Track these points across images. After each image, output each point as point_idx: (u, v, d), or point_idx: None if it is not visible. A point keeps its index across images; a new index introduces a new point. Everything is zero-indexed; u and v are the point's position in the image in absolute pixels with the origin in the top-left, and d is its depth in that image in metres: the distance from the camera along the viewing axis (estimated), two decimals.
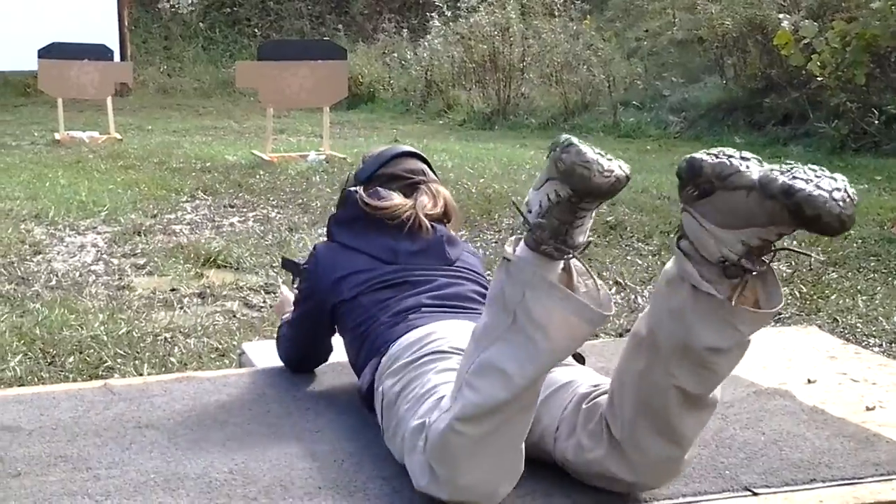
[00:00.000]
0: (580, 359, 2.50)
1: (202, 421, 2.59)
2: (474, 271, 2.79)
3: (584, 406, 2.13)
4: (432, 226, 2.73)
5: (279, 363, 3.12)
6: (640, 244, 5.88)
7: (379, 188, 2.76)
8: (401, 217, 2.69)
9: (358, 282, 2.65)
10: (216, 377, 2.98)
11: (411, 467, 2.08)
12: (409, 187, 2.78)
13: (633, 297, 4.67)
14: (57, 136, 12.42)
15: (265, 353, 3.39)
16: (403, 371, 2.30)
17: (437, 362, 2.26)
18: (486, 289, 2.71)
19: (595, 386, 2.19)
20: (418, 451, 2.04)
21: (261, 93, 10.46)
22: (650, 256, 5.54)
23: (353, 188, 2.80)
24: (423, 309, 2.55)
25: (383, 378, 2.35)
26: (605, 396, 2.12)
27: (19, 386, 3.41)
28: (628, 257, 5.50)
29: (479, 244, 5.96)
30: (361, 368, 2.55)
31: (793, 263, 5.37)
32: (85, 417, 2.63)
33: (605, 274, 5.07)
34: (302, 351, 2.91)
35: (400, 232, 2.69)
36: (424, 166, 2.87)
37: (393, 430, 2.25)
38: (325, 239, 2.87)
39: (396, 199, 2.73)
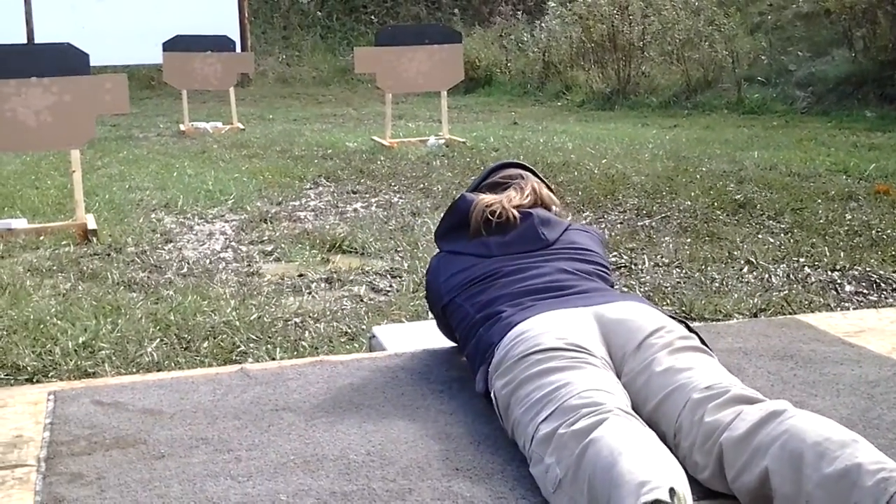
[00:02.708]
0: (688, 326, 2.45)
1: (338, 404, 2.60)
2: (576, 248, 2.77)
3: (705, 420, 2.04)
4: (522, 213, 2.75)
5: (410, 346, 3.13)
6: (770, 222, 5.71)
7: (466, 194, 2.91)
8: (486, 212, 2.77)
9: (454, 283, 2.74)
10: (349, 361, 2.99)
11: (538, 478, 2.03)
12: (504, 190, 2.90)
13: (766, 276, 4.53)
14: (182, 127, 12.70)
15: (396, 336, 3.41)
16: (511, 371, 2.28)
17: (545, 363, 2.22)
18: (588, 262, 2.70)
19: (709, 388, 2.10)
20: (546, 467, 1.99)
21: (379, 78, 10.50)
22: (782, 234, 5.38)
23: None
24: (517, 301, 2.53)
25: (494, 380, 2.34)
26: (728, 415, 2.01)
27: (157, 371, 3.48)
28: (759, 235, 5.35)
29: (603, 225, 5.87)
30: (473, 369, 2.54)
31: None
32: (223, 401, 2.66)
33: (735, 252, 4.94)
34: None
35: (491, 227, 2.75)
36: (525, 172, 2.99)
37: (512, 432, 2.23)
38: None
39: (484, 197, 2.82)
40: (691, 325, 2.53)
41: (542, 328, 2.33)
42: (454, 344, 2.96)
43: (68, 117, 6.07)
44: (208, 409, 2.61)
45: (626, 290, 4.34)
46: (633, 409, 2.13)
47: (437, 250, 2.96)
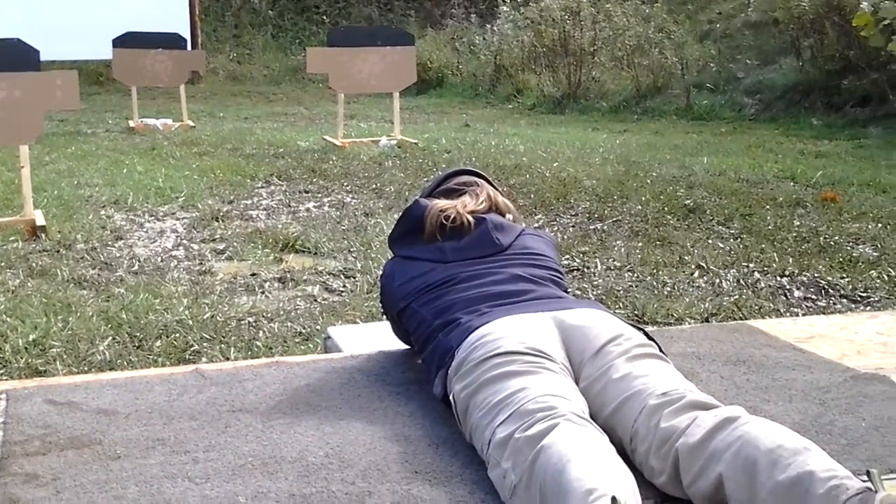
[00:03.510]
0: (646, 334, 2.47)
1: (295, 405, 2.59)
2: (530, 253, 2.79)
3: (661, 425, 2.05)
4: (476, 218, 2.77)
5: (366, 348, 3.14)
6: (720, 227, 5.78)
7: (420, 199, 2.91)
8: (441, 217, 2.78)
9: (410, 289, 2.73)
10: (305, 362, 2.98)
11: (496, 482, 2.04)
12: (459, 196, 2.91)
13: (716, 280, 4.59)
14: (131, 123, 12.58)
15: (351, 338, 3.41)
16: (471, 375, 2.28)
17: (504, 366, 2.23)
18: (542, 267, 2.73)
19: (665, 394, 2.12)
20: (503, 472, 2.00)
21: (331, 78, 10.48)
22: (731, 240, 5.45)
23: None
24: (474, 308, 2.54)
25: (453, 384, 2.34)
26: (683, 421, 2.03)
27: (110, 370, 3.45)
28: (709, 240, 5.41)
29: (556, 228, 5.91)
30: (430, 373, 2.55)
31: (878, 246, 5.25)
32: (179, 401, 2.64)
33: (686, 257, 5.00)
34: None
35: (445, 232, 2.77)
36: (479, 180, 3.01)
37: (470, 436, 2.23)
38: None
39: (438, 202, 2.84)
40: (647, 331, 2.55)
41: (502, 332, 2.34)
42: (408, 346, 2.97)
43: (18, 113, 5.99)
44: (164, 409, 2.59)
45: (579, 293, 4.37)
46: (591, 415, 2.15)
47: (391, 255, 2.96)
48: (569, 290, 2.87)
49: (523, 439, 1.99)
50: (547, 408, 2.05)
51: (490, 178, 3.06)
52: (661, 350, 2.42)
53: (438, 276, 2.71)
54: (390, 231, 2.96)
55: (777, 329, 3.25)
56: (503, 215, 2.92)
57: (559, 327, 2.40)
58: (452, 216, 2.80)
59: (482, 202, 2.89)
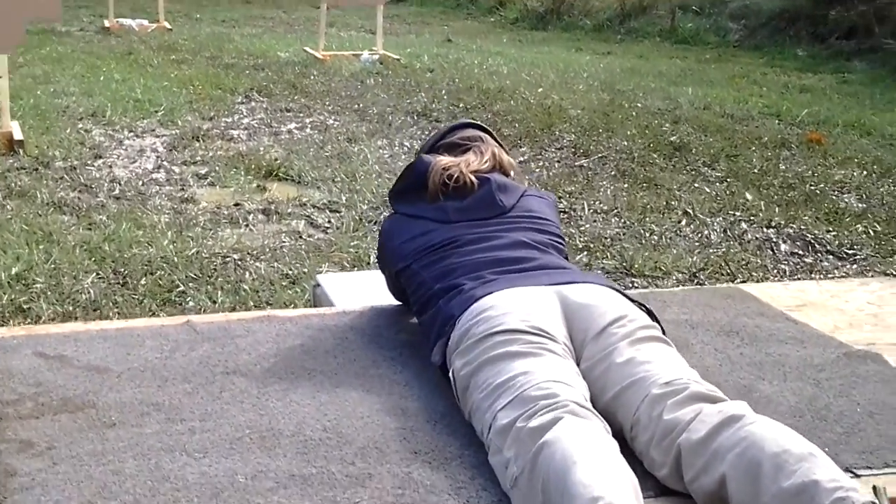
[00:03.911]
0: (650, 313, 2.47)
1: (289, 368, 2.57)
2: (533, 216, 2.76)
3: (664, 417, 2.05)
4: (479, 178, 2.73)
5: (356, 299, 3.12)
6: (706, 169, 5.75)
7: (423, 156, 2.85)
8: (444, 176, 2.73)
9: (411, 249, 2.69)
10: (297, 317, 2.95)
11: (497, 469, 2.04)
12: (463, 152, 2.84)
13: (704, 231, 4.58)
14: (106, 23, 12.34)
15: (340, 286, 3.39)
16: (472, 351, 2.25)
17: (506, 346, 2.21)
18: (544, 232, 2.70)
19: (668, 383, 2.11)
20: (505, 461, 1.99)
21: None
22: (717, 184, 5.43)
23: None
24: (477, 274, 2.51)
25: (453, 358, 2.32)
26: (687, 414, 2.02)
27: (95, 310, 3.42)
28: (696, 184, 5.39)
29: (541, 163, 5.87)
30: (429, 339, 2.52)
31: (863, 197, 5.26)
32: (171, 359, 2.62)
33: (673, 202, 4.98)
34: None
35: (448, 191, 2.72)
36: (483, 134, 2.94)
37: (469, 415, 2.22)
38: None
39: (441, 159, 2.78)
40: (649, 307, 2.54)
41: (505, 307, 2.32)
42: (401, 303, 2.95)
43: None
44: (157, 368, 2.56)
45: (567, 239, 4.35)
46: (591, 398, 2.14)
47: (391, 211, 2.91)
48: (569, 256, 2.84)
49: (526, 430, 1.98)
50: (549, 395, 2.04)
51: (494, 133, 3.00)
52: (663, 332, 2.41)
53: (440, 238, 2.67)
54: (391, 185, 2.91)
55: (769, 295, 3.25)
56: (507, 174, 2.87)
57: (563, 303, 2.38)
58: (455, 175, 2.76)
59: (486, 161, 2.83)
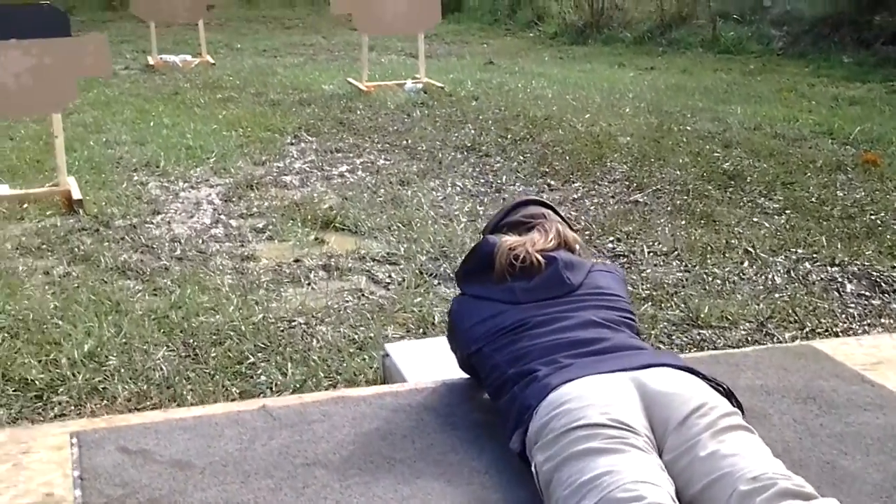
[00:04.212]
0: (729, 394, 2.46)
1: (369, 458, 2.58)
2: (601, 293, 2.76)
3: None
4: (546, 257, 2.74)
5: (426, 372, 3.14)
6: (763, 200, 5.72)
7: (488, 236, 2.88)
8: (510, 256, 2.75)
9: (482, 332, 2.71)
10: (370, 396, 2.97)
11: None
12: (528, 231, 2.88)
13: (766, 271, 4.54)
14: (150, 60, 12.46)
15: (409, 356, 3.41)
16: (553, 446, 2.24)
17: (588, 441, 2.20)
18: (614, 309, 2.70)
19: (755, 479, 2.10)
20: None
21: (356, 19, 10.34)
22: (776, 216, 5.39)
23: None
24: (550, 358, 2.52)
25: (534, 452, 2.32)
26: None
27: (168, 387, 3.46)
28: (754, 218, 5.35)
29: (595, 199, 5.86)
30: (506, 423, 2.52)
31: None
32: (251, 450, 2.64)
33: (733, 241, 4.95)
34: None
35: (514, 271, 2.74)
36: (546, 210, 2.98)
37: None
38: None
39: (507, 240, 2.80)
40: (726, 386, 2.52)
41: (583, 398, 2.32)
42: (471, 377, 2.96)
43: (49, 80, 5.91)
44: (238, 461, 2.58)
45: (630, 289, 4.34)
46: (677, 491, 2.14)
47: (459, 292, 2.93)
48: (640, 331, 2.84)
49: None
50: (637, 497, 2.04)
51: (556, 208, 3.01)
52: (741, 409, 2.40)
53: (511, 320, 2.69)
54: (458, 266, 2.93)
55: (842, 353, 3.22)
56: (572, 250, 2.88)
57: (641, 392, 2.38)
58: (522, 256, 2.77)
59: (551, 239, 2.84)
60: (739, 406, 2.45)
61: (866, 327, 3.92)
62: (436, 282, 4.51)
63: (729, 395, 2.47)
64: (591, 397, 2.33)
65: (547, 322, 2.65)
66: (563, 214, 2.99)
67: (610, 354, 2.53)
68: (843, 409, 2.84)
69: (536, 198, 3.07)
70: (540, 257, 2.78)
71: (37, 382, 3.50)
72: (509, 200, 3.10)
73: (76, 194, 5.86)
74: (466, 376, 3.00)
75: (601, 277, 2.82)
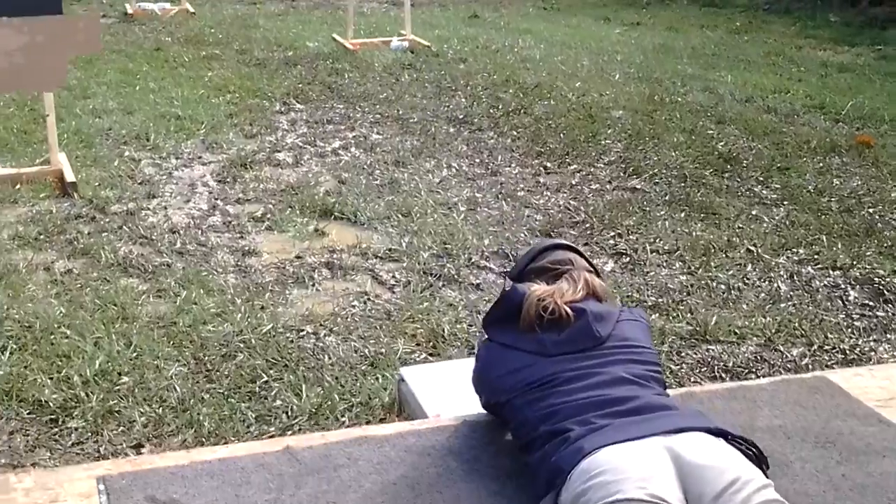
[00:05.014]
0: (760, 457, 2.50)
1: None
2: (630, 346, 2.77)
3: None
4: (575, 309, 2.74)
5: (445, 404, 3.17)
6: (760, 188, 5.74)
7: (517, 285, 2.85)
8: (539, 307, 2.74)
9: (511, 383, 2.71)
10: (393, 436, 2.98)
11: None
12: (555, 278, 2.85)
13: (770, 277, 4.57)
14: (128, 8, 12.27)
15: (425, 381, 3.43)
16: None
17: None
18: (642, 363, 2.72)
19: None
20: None
21: None
22: (774, 208, 5.42)
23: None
24: (582, 418, 2.53)
25: None
26: None
27: (184, 411, 3.46)
28: (753, 211, 5.38)
29: (592, 183, 5.86)
30: (536, 479, 2.54)
31: None
32: (280, 501, 2.66)
33: (734, 238, 4.98)
34: None
35: (543, 322, 2.73)
36: (573, 255, 2.97)
37: None
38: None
39: (536, 289, 2.78)
40: (751, 441, 2.55)
41: (619, 470, 2.34)
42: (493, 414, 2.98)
43: (41, 59, 5.80)
44: None
45: (636, 296, 4.36)
46: None
47: (486, 336, 2.93)
48: (664, 380, 2.85)
49: None
50: None
51: (582, 251, 3.01)
52: (766, 463, 2.44)
53: (541, 374, 2.69)
54: (486, 313, 2.92)
55: (857, 386, 3.26)
56: (600, 300, 2.88)
57: (675, 462, 2.40)
58: (551, 308, 2.77)
59: (580, 290, 2.84)
60: (765, 459, 2.48)
61: (872, 344, 3.97)
62: (440, 284, 4.52)
63: (759, 458, 2.50)
64: (627, 469, 2.35)
65: (577, 378, 2.66)
66: (588, 259, 2.99)
67: (642, 416, 2.55)
68: (863, 455, 2.88)
69: (563, 242, 3.06)
70: (569, 310, 2.78)
71: (50, 404, 3.48)
72: (535, 244, 3.06)
73: (69, 176, 5.79)
74: (484, 413, 3.02)
75: (629, 328, 2.83)
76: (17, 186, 5.74)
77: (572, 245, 3.03)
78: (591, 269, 2.97)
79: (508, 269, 3.35)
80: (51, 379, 3.64)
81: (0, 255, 4.75)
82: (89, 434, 3.35)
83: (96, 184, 5.80)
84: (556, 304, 2.78)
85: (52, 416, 3.44)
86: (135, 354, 3.82)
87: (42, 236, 5.02)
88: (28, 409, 3.48)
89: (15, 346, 3.87)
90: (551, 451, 2.52)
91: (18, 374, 3.66)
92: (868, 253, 4.80)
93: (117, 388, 3.60)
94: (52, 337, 3.94)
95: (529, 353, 2.75)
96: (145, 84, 8.28)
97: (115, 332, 3.99)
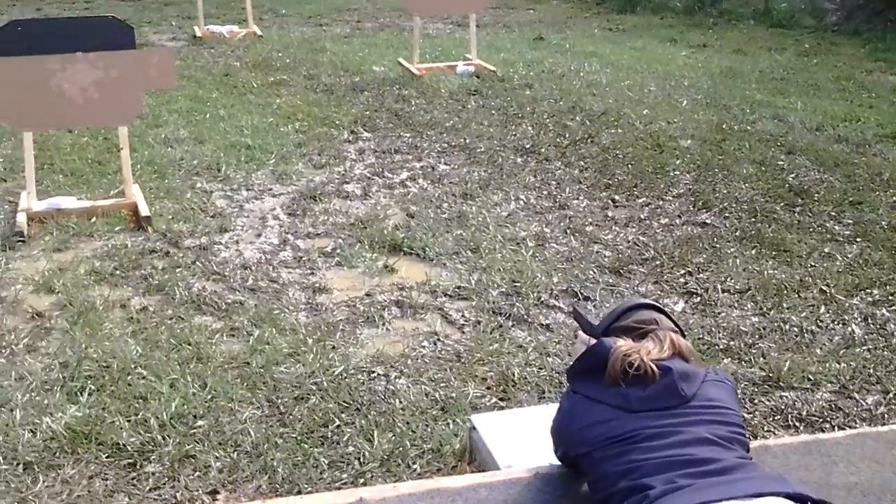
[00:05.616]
0: None
1: None
2: (714, 406, 2.76)
3: None
4: (661, 367, 2.74)
5: (514, 447, 3.18)
6: (832, 223, 5.68)
7: (604, 339, 2.86)
8: (625, 363, 2.74)
9: (592, 436, 2.71)
10: (465, 489, 3.00)
11: None
12: (640, 336, 2.86)
13: (845, 319, 4.53)
14: (197, 31, 12.47)
15: (496, 430, 3.44)
16: None
17: None
18: (726, 424, 2.70)
19: None
20: None
21: (407, 1, 10.27)
22: (847, 245, 5.36)
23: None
24: (664, 476, 2.52)
25: None
26: None
27: (258, 456, 3.51)
28: (826, 248, 5.32)
29: (661, 218, 5.83)
30: None
31: None
32: None
33: (807, 279, 4.93)
34: None
35: (628, 377, 2.73)
36: (658, 315, 2.96)
37: None
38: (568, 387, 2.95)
39: (623, 345, 2.79)
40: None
41: None
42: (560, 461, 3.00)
43: (115, 93, 5.93)
44: None
45: (707, 339, 4.34)
46: None
47: (569, 387, 2.94)
48: (748, 442, 2.82)
49: None
50: None
51: (668, 312, 3.00)
52: None
53: (624, 429, 2.69)
54: (571, 364, 2.93)
55: None
56: (686, 360, 2.88)
57: None
58: (637, 364, 2.77)
59: (666, 349, 2.84)
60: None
61: None
62: (510, 324, 4.53)
63: None
64: None
65: (660, 435, 2.66)
66: (674, 319, 2.98)
67: (722, 477, 2.54)
68: None
69: (648, 301, 3.05)
70: (655, 367, 2.78)
71: (128, 447, 3.55)
72: (620, 302, 3.07)
73: (143, 209, 5.90)
74: (557, 464, 3.03)
75: (713, 389, 2.82)
76: (93, 219, 5.86)
77: (658, 305, 3.03)
78: (677, 329, 2.97)
79: (574, 309, 3.35)
80: (128, 421, 3.71)
81: (78, 292, 4.85)
82: (166, 479, 3.41)
83: (169, 217, 5.91)
84: (643, 360, 2.78)
85: (130, 460, 3.51)
86: (210, 396, 3.88)
87: (118, 272, 5.12)
88: (107, 452, 3.54)
89: (93, 388, 3.95)
90: None
91: (97, 417, 3.73)
92: None
93: (193, 431, 3.66)
94: (129, 378, 4.02)
95: (613, 407, 2.76)
96: (215, 112, 8.41)
97: (190, 372, 4.06)
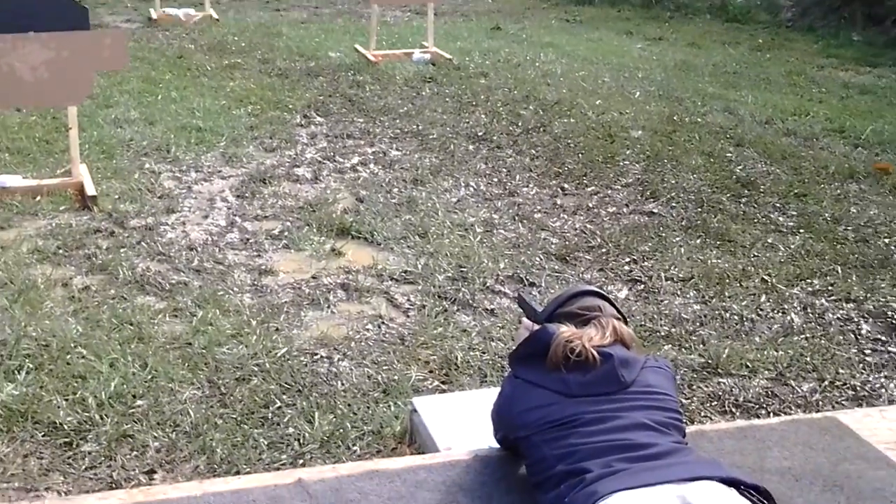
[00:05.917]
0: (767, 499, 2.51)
1: None
2: (653, 392, 2.79)
3: None
4: (602, 353, 2.76)
5: (455, 430, 3.19)
6: (777, 215, 5.74)
7: (547, 325, 2.88)
8: (567, 349, 2.76)
9: (532, 419, 2.74)
10: (403, 471, 3.01)
11: None
12: (583, 323, 2.88)
13: (784, 307, 4.58)
14: (153, 13, 12.35)
15: (437, 412, 3.45)
16: None
17: None
18: (664, 410, 2.73)
19: None
20: None
21: None
22: (790, 236, 5.42)
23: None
24: (600, 460, 2.55)
25: None
26: None
27: (197, 436, 3.49)
28: (769, 239, 5.38)
29: (609, 206, 5.87)
30: None
31: None
32: None
33: (749, 268, 4.98)
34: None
35: (569, 363, 2.75)
36: (602, 302, 2.98)
37: None
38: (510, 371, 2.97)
39: (565, 331, 2.81)
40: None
41: None
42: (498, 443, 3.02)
43: (66, 74, 5.86)
44: None
45: (650, 325, 4.37)
46: None
47: (511, 372, 2.95)
48: (685, 428, 2.85)
49: None
50: None
51: (612, 299, 3.02)
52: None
53: (563, 413, 2.70)
54: (514, 349, 2.95)
55: (866, 427, 3.27)
56: (627, 347, 2.90)
57: None
58: (578, 350, 2.79)
59: (608, 336, 2.86)
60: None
61: (884, 380, 3.97)
62: (455, 308, 4.54)
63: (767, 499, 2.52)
64: None
65: (598, 420, 2.68)
66: (617, 306, 3.00)
67: (658, 461, 2.57)
68: (871, 500, 2.88)
69: (592, 288, 3.07)
70: (596, 353, 2.80)
71: (65, 426, 3.52)
72: (565, 289, 3.09)
73: (89, 189, 5.85)
74: (497, 445, 3.05)
75: (652, 375, 2.85)
76: (38, 198, 5.80)
77: (601, 292, 3.05)
78: (620, 316, 2.99)
79: (519, 295, 3.37)
80: (66, 400, 3.68)
81: (20, 270, 4.80)
82: (103, 458, 3.39)
83: (116, 197, 5.86)
84: (584, 346, 2.79)
85: (67, 440, 3.48)
86: (150, 376, 3.86)
87: (61, 251, 5.07)
88: (43, 431, 3.51)
89: (31, 366, 3.90)
90: (566, 491, 2.54)
91: (34, 395, 3.70)
92: (882, 285, 4.80)
93: (132, 411, 3.64)
94: (69, 357, 3.98)
95: (553, 391, 2.77)
96: (167, 93, 8.34)
97: (131, 352, 4.03)
